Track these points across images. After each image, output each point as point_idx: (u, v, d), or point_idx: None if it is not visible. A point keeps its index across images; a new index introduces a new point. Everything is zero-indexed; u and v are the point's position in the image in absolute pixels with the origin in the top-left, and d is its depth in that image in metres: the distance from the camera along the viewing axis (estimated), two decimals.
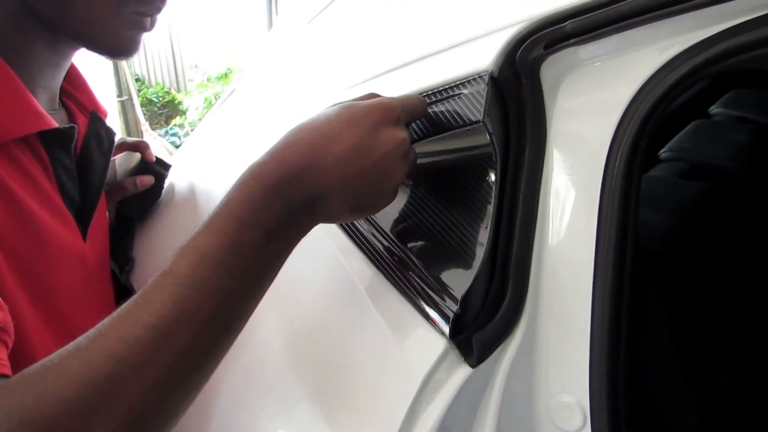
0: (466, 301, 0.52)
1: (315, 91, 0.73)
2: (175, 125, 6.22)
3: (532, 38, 0.51)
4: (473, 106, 0.53)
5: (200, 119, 6.05)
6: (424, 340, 0.53)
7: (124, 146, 0.85)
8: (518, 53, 0.52)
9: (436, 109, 0.55)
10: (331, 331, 0.59)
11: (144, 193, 0.83)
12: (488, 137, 0.52)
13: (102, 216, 0.75)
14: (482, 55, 0.53)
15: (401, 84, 0.59)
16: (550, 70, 0.53)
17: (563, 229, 0.53)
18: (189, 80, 8.06)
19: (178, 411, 0.44)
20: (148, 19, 0.64)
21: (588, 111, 0.52)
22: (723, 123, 1.36)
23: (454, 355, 0.52)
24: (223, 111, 0.95)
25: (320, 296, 0.62)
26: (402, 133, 0.51)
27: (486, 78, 0.52)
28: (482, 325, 0.53)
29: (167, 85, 8.34)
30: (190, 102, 6.29)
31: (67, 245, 0.65)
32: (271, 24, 7.21)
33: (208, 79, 6.44)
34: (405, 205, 0.58)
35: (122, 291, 0.77)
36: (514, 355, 0.54)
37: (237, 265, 0.44)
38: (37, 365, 0.41)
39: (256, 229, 0.45)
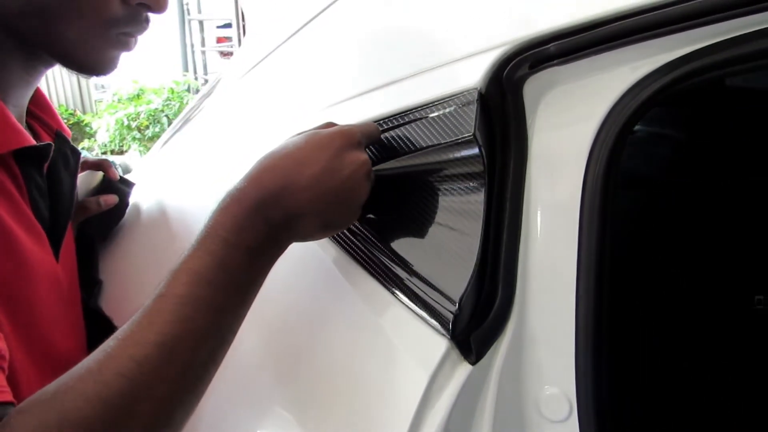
0: (463, 303, 0.55)
1: (289, 112, 0.75)
2: (83, 148, 5.97)
3: (518, 58, 0.55)
4: (463, 120, 0.57)
5: (111, 141, 5.85)
6: (426, 341, 0.56)
7: (86, 165, 0.83)
8: (505, 72, 0.56)
9: (426, 123, 0.59)
10: (332, 338, 0.61)
11: (107, 212, 0.82)
12: (478, 150, 0.56)
13: (70, 237, 0.73)
14: (467, 75, 0.57)
15: (387, 103, 0.62)
16: (531, 88, 0.57)
17: (546, 234, 0.58)
18: (97, 101, 7.78)
19: (183, 423, 0.48)
20: (133, 39, 0.64)
21: (567, 124, 0.57)
22: (644, 138, 1.49)
23: (455, 354, 0.55)
24: (186, 131, 0.95)
25: (317, 306, 0.64)
26: (363, 156, 0.57)
27: (475, 94, 0.56)
28: (478, 325, 0.57)
29: (71, 106, 8.00)
30: (100, 123, 6.06)
31: (43, 266, 0.63)
32: (184, 43, 7.10)
33: (119, 100, 6.24)
34: (399, 215, 0.61)
35: (90, 314, 0.75)
36: (506, 352, 0.58)
37: (228, 283, 0.49)
38: (49, 389, 0.44)
39: (242, 249, 0.50)
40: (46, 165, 0.66)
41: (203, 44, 7.28)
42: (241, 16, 5.25)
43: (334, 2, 0.70)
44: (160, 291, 0.48)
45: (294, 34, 0.76)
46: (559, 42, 0.54)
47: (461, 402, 0.55)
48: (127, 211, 0.85)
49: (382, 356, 0.57)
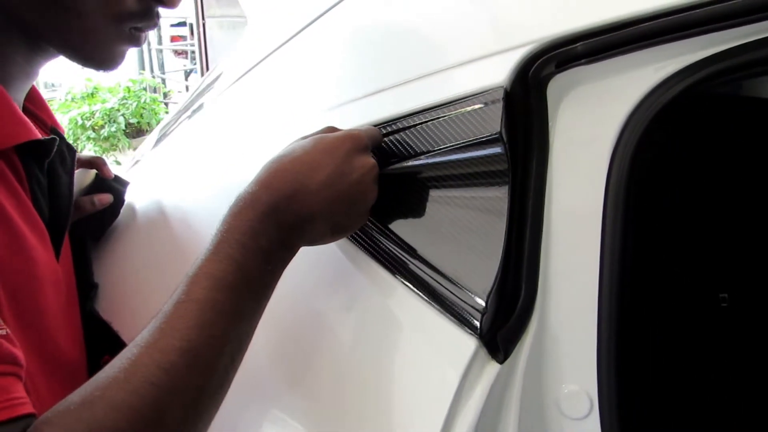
0: (490, 301, 0.55)
1: (297, 111, 0.74)
2: None
3: (545, 57, 0.55)
4: (488, 119, 0.56)
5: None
6: (454, 340, 0.55)
7: (78, 163, 0.79)
8: (531, 70, 0.56)
9: (449, 121, 0.59)
10: (358, 339, 0.60)
11: (101, 212, 0.79)
12: (503, 148, 0.56)
13: (66, 238, 0.70)
14: (492, 73, 0.57)
15: (410, 100, 0.61)
16: (555, 87, 0.58)
17: (569, 233, 0.58)
18: (48, 100, 7.52)
19: (206, 429, 0.48)
20: (143, 35, 0.62)
21: (589, 124, 0.57)
22: None
23: (483, 353, 0.55)
24: (181, 129, 0.92)
25: (340, 308, 0.63)
26: (371, 160, 0.58)
27: (501, 93, 0.56)
28: (503, 323, 0.57)
29: None
30: None
31: (47, 266, 0.61)
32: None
33: (73, 99, 6.05)
34: (423, 214, 0.60)
35: (88, 319, 0.72)
36: (529, 350, 0.58)
37: (246, 287, 0.50)
38: (73, 399, 0.43)
39: (258, 253, 0.50)
40: (47, 161, 0.63)
41: (160, 42, 7.13)
42: (201, 15, 5.15)
43: None
44: (179, 297, 0.47)
45: (303, 29, 0.74)
46: (587, 41, 0.54)
47: (490, 401, 0.55)
48: (122, 210, 0.82)
49: (410, 356, 0.57)
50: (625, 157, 0.55)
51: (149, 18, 0.61)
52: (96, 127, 5.69)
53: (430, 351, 0.56)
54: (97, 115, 5.74)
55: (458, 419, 0.53)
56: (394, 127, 0.62)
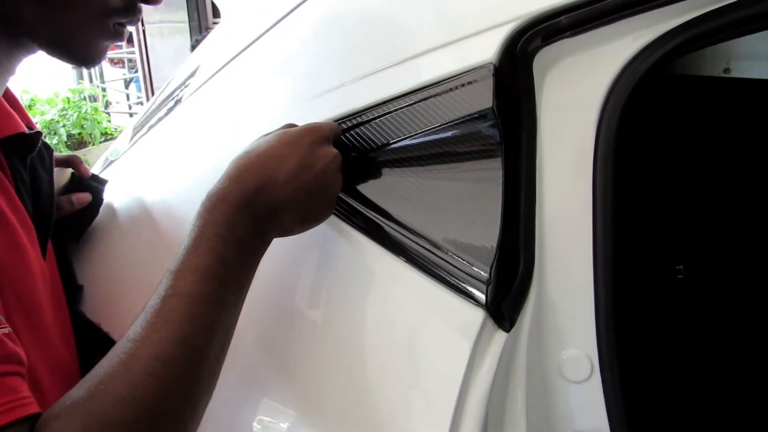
0: (493, 272, 0.57)
1: (280, 102, 0.74)
2: None
3: (531, 31, 0.57)
4: (479, 95, 0.58)
5: None
6: (461, 312, 0.56)
7: (54, 162, 0.77)
8: (518, 45, 0.58)
9: (440, 100, 0.60)
10: (367, 320, 0.60)
11: (80, 212, 0.77)
12: (495, 123, 0.58)
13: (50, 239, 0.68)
14: (480, 50, 0.58)
15: (399, 82, 0.62)
16: (540, 61, 0.59)
17: (561, 201, 0.60)
18: None
19: (202, 416, 0.50)
20: (125, 30, 0.62)
21: (575, 95, 0.59)
22: None
23: (490, 323, 0.57)
24: (159, 125, 0.90)
25: (345, 291, 0.63)
26: (333, 150, 0.60)
27: (490, 68, 0.57)
28: (506, 293, 0.58)
29: None
30: None
31: (37, 264, 0.59)
32: None
33: None
34: (420, 194, 0.61)
35: (76, 320, 0.70)
36: (530, 317, 0.60)
37: (229, 278, 0.52)
38: (78, 393, 0.44)
39: (236, 244, 0.53)
40: (30, 157, 0.61)
41: None
42: (140, 21, 5.03)
43: None
44: (167, 291, 0.49)
45: (279, 21, 0.74)
46: (570, 14, 0.56)
47: (499, 370, 0.56)
48: (101, 209, 0.80)
49: (419, 332, 0.57)
50: (611, 125, 0.58)
51: (132, 13, 0.61)
52: None
53: (438, 325, 0.57)
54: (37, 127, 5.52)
55: (472, 389, 0.54)
56: (384, 110, 0.63)
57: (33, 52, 0.61)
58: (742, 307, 1.27)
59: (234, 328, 0.53)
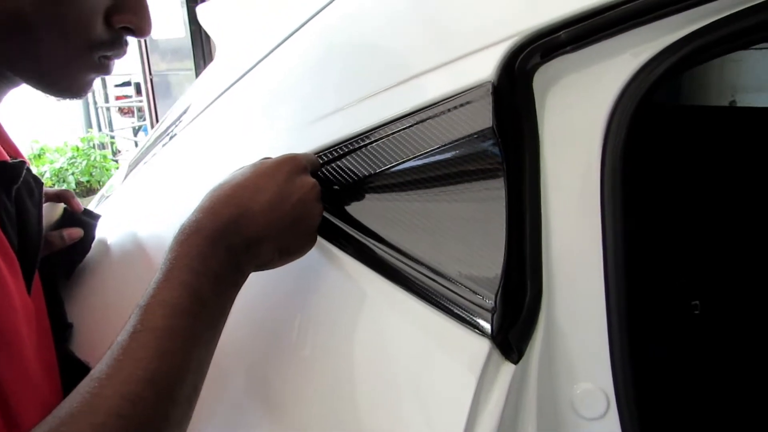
0: (498, 300, 0.53)
1: (276, 128, 0.72)
2: None
3: (530, 48, 0.55)
4: (478, 114, 0.56)
5: None
6: (466, 343, 0.53)
7: (45, 197, 0.75)
8: (517, 63, 0.56)
9: (438, 122, 0.57)
10: (368, 352, 0.57)
11: (71, 247, 0.74)
12: (496, 143, 0.55)
13: (36, 273, 0.65)
14: (478, 69, 0.56)
15: (395, 105, 0.60)
16: (540, 78, 0.57)
17: (568, 224, 0.57)
18: None
19: None
20: (112, 63, 0.60)
21: (577, 114, 0.57)
22: None
23: (497, 354, 0.53)
24: (154, 162, 0.88)
25: (346, 323, 0.59)
26: (312, 180, 0.59)
27: (489, 87, 0.55)
28: (513, 322, 0.55)
29: None
30: None
31: (20, 297, 0.56)
32: (86, 100, 6.83)
33: None
34: (420, 219, 0.58)
35: (64, 360, 0.67)
36: (540, 348, 0.56)
37: (202, 312, 0.49)
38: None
39: (210, 277, 0.50)
40: (15, 188, 0.59)
41: (106, 100, 7.05)
42: (148, 70, 5.12)
43: (328, 4, 0.68)
44: (135, 326, 0.46)
45: (276, 47, 0.73)
46: (570, 29, 0.54)
47: (508, 404, 0.52)
48: (93, 245, 0.78)
49: (423, 364, 0.54)
50: (617, 144, 0.55)
51: (118, 46, 0.59)
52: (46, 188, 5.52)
53: (441, 357, 0.54)
54: (47, 175, 5.59)
55: (478, 425, 0.50)
56: (380, 134, 0.61)
57: (17, 84, 0.59)
58: (761, 341, 1.22)
59: (208, 365, 0.50)
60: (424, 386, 0.53)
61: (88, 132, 6.65)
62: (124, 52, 0.61)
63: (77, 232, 0.74)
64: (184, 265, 0.49)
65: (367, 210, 0.61)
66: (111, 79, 7.19)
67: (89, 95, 6.82)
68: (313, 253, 0.59)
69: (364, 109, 0.62)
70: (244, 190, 0.55)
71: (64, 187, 5.50)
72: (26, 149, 5.99)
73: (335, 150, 0.63)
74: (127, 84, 7.01)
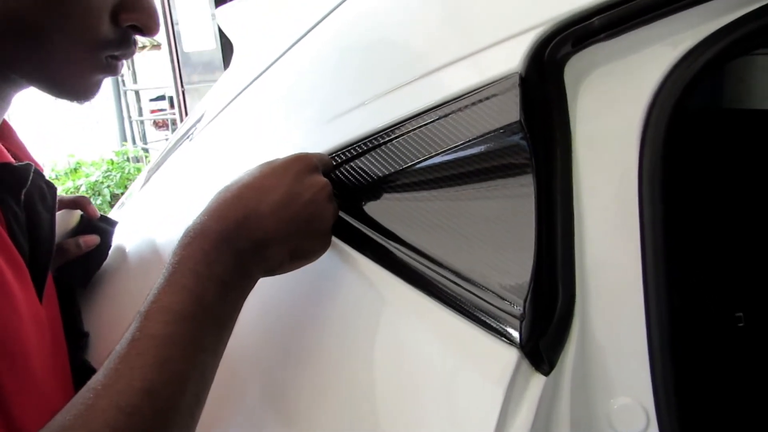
0: (527, 306, 0.49)
1: (291, 129, 0.69)
2: None
3: (560, 36, 0.51)
4: (505, 108, 0.52)
5: None
6: (493, 353, 0.49)
7: (61, 204, 0.74)
8: (546, 52, 0.52)
9: (462, 116, 0.54)
10: (382, 359, 0.54)
11: (88, 255, 0.73)
12: (523, 138, 0.52)
13: (51, 282, 0.64)
14: (504, 60, 0.53)
15: (418, 99, 0.57)
16: (572, 69, 0.54)
17: (603, 226, 0.53)
18: None
19: None
20: (120, 63, 0.59)
21: (612, 107, 0.53)
22: None
23: (526, 365, 0.49)
24: (171, 165, 0.87)
25: (360, 329, 0.56)
26: (323, 179, 0.56)
27: (516, 79, 0.52)
28: (544, 331, 0.51)
29: None
30: None
31: (28, 305, 0.54)
32: (120, 113, 6.96)
33: (56, 176, 6.02)
34: (442, 220, 0.55)
35: (79, 371, 0.65)
36: (574, 359, 0.52)
37: (205, 318, 0.47)
38: None
39: (215, 282, 0.48)
40: (23, 192, 0.58)
41: (140, 114, 7.17)
42: (180, 83, 5.20)
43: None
44: (134, 334, 0.44)
45: (296, 43, 0.71)
46: (603, 15, 0.50)
47: (538, 420, 0.48)
48: (110, 253, 0.76)
49: (446, 375, 0.50)
50: (657, 141, 0.51)
51: (126, 46, 0.57)
52: None
53: (466, 367, 0.50)
54: (82, 189, 5.69)
55: None
56: (401, 130, 0.58)
57: (24, 87, 0.58)
58: None
59: (212, 374, 0.47)
60: (447, 398, 0.50)
61: (122, 145, 6.77)
62: (133, 52, 0.59)
63: (93, 239, 0.73)
64: (187, 269, 0.47)
65: (387, 210, 0.58)
66: (146, 93, 7.33)
67: (124, 109, 6.94)
68: (330, 256, 0.57)
69: (383, 105, 0.59)
70: (252, 190, 0.52)
71: (99, 200, 5.60)
72: (63, 163, 6.12)
73: (354, 148, 0.60)
74: (161, 98, 7.14)
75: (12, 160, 0.54)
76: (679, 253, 0.52)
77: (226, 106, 0.78)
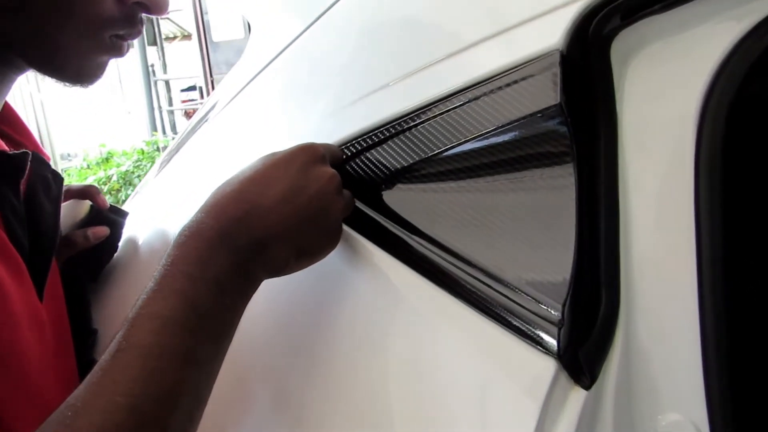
0: (566, 310, 0.44)
1: (311, 112, 0.65)
2: None
3: (607, 8, 0.46)
4: (543, 89, 0.47)
5: None
6: (527, 362, 0.44)
7: (69, 193, 0.71)
8: (591, 27, 0.46)
9: (496, 97, 0.49)
10: (403, 366, 0.49)
11: (97, 247, 0.69)
12: (564, 123, 0.46)
13: (56, 277, 0.61)
14: (543, 36, 0.48)
15: (445, 81, 0.52)
16: (619, 46, 0.48)
17: (653, 223, 0.48)
18: (65, 170, 7.62)
19: None
20: (126, 44, 0.56)
21: (665, 89, 0.47)
22: None
23: (564, 376, 0.44)
24: (186, 154, 0.83)
25: (379, 331, 0.51)
26: (330, 169, 0.52)
27: (556, 57, 0.46)
28: (584, 338, 0.45)
29: None
30: None
31: (24, 303, 0.51)
32: (150, 103, 7.03)
33: (88, 166, 6.11)
34: (470, 209, 0.50)
35: (86, 368, 0.62)
36: (617, 370, 0.47)
37: (199, 326, 0.42)
38: None
39: (209, 284, 0.43)
40: (22, 183, 0.54)
41: (170, 104, 7.23)
42: (209, 73, 5.22)
43: None
44: (119, 344, 0.40)
45: (314, 22, 0.66)
46: None
47: None
48: (121, 245, 0.73)
49: (474, 383, 0.45)
50: (716, 129, 0.45)
51: (132, 25, 0.54)
52: (113, 191, 5.70)
53: (497, 378, 0.45)
54: (114, 179, 5.76)
55: None
56: (426, 115, 0.53)
57: (23, 70, 0.55)
58: None
59: (209, 388, 0.43)
60: (475, 412, 0.45)
61: (152, 135, 6.83)
62: (139, 32, 0.55)
63: (102, 231, 0.69)
64: (178, 272, 0.43)
65: (410, 202, 0.53)
66: (176, 84, 7.40)
67: (154, 99, 7.01)
68: (347, 252, 0.52)
69: (407, 87, 0.54)
70: (253, 184, 0.48)
71: (131, 189, 5.65)
72: (94, 153, 6.21)
73: (375, 134, 0.55)
74: (192, 89, 7.20)
75: (6, 148, 0.51)
76: (739, 255, 0.46)
77: (239, 92, 0.74)
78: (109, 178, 5.77)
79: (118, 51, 0.55)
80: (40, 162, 0.61)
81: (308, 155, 0.51)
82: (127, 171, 5.85)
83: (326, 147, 0.55)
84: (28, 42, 0.51)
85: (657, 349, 0.47)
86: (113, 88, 8.03)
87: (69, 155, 8.32)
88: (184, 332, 0.41)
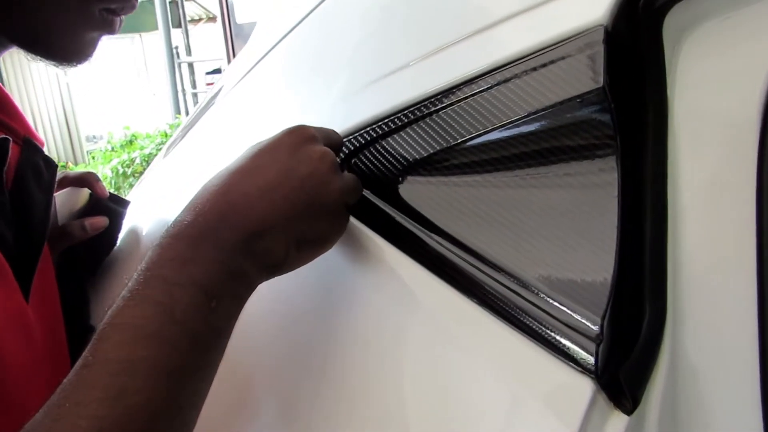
0: (606, 325, 0.39)
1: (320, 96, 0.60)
2: None
3: None
4: (584, 70, 0.41)
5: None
6: (561, 382, 0.39)
7: (66, 181, 0.67)
8: (641, 1, 0.40)
9: (528, 80, 0.43)
10: (419, 381, 0.44)
11: (96, 239, 0.65)
12: (607, 110, 0.40)
13: (48, 272, 0.57)
14: (585, 9, 0.42)
15: (474, 60, 0.46)
16: (673, 22, 0.42)
17: (707, 226, 0.42)
18: (89, 152, 7.70)
19: None
20: (117, 19, 0.51)
21: (724, 73, 0.41)
22: None
23: (603, 399, 0.39)
24: (189, 141, 0.79)
25: (393, 342, 0.47)
26: (322, 147, 0.48)
27: (600, 33, 0.41)
28: (626, 356, 0.40)
29: (62, 158, 7.94)
30: None
31: (6, 308, 0.47)
32: (174, 86, 7.05)
33: (113, 149, 6.15)
34: (496, 206, 0.44)
35: None
36: (662, 393, 0.41)
37: (179, 336, 0.37)
38: None
39: (189, 288, 0.39)
40: (7, 176, 0.50)
41: (194, 86, 7.24)
42: (232, 54, 5.20)
43: None
44: (86, 359, 0.36)
45: (311, 11, 0.60)
46: None
47: None
48: (121, 236, 0.69)
49: (499, 404, 0.40)
50: None
51: None
52: (136, 174, 5.75)
53: (526, 399, 0.40)
54: (137, 161, 5.79)
55: None
56: (447, 100, 0.47)
57: (8, 47, 0.52)
58: None
59: (195, 407, 0.38)
60: None
61: (176, 118, 6.86)
62: (132, 6, 0.52)
63: (101, 221, 0.65)
64: (152, 276, 0.38)
65: (429, 196, 0.48)
66: (200, 66, 7.42)
67: (178, 82, 7.03)
68: (359, 251, 0.47)
69: (426, 69, 0.48)
70: (237, 175, 0.44)
71: None
72: (118, 135, 6.25)
73: (392, 120, 0.50)
74: (217, 71, 7.22)
75: None
76: None
77: (246, 74, 0.69)
78: (132, 161, 5.81)
79: (109, 27, 0.51)
80: (32, 147, 0.57)
81: (295, 136, 0.47)
82: (150, 153, 5.89)
83: (318, 128, 0.51)
84: (12, 18, 0.47)
85: (708, 369, 0.42)
86: (138, 70, 8.08)
87: (95, 137, 8.42)
88: (160, 343, 0.36)
